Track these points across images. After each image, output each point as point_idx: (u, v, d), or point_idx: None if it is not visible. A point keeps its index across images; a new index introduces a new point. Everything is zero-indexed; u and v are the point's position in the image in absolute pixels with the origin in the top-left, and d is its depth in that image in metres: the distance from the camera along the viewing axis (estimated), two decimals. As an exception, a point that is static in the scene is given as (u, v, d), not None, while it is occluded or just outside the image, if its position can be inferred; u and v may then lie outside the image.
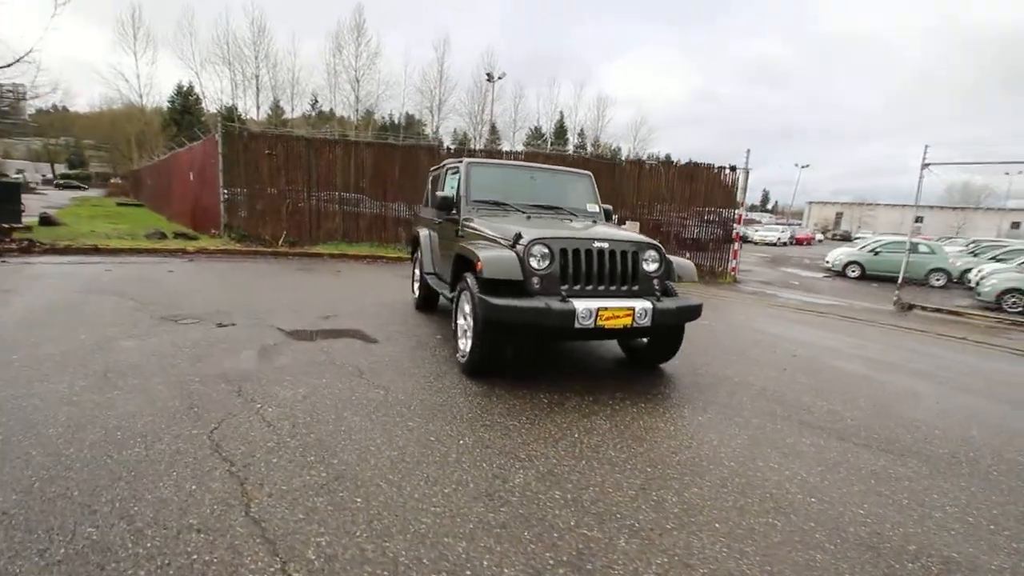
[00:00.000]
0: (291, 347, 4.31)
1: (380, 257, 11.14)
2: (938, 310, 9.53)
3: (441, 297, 5.91)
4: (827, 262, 17.69)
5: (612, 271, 3.73)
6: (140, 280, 6.92)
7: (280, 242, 11.73)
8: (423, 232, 5.88)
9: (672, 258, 4.02)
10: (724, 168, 11.91)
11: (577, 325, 3.41)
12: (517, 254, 3.58)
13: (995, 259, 15.43)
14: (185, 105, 40.65)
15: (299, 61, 53.61)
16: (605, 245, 3.73)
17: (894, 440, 3.22)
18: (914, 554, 2.09)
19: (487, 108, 39.28)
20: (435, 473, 2.44)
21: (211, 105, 37.87)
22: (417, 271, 6.17)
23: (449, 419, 3.07)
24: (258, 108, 39.28)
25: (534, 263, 3.57)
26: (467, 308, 3.92)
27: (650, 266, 3.86)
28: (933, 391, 4.39)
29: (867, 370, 4.92)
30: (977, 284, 12.18)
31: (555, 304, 3.40)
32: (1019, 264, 12.79)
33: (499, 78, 28.60)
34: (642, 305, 3.60)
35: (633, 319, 3.57)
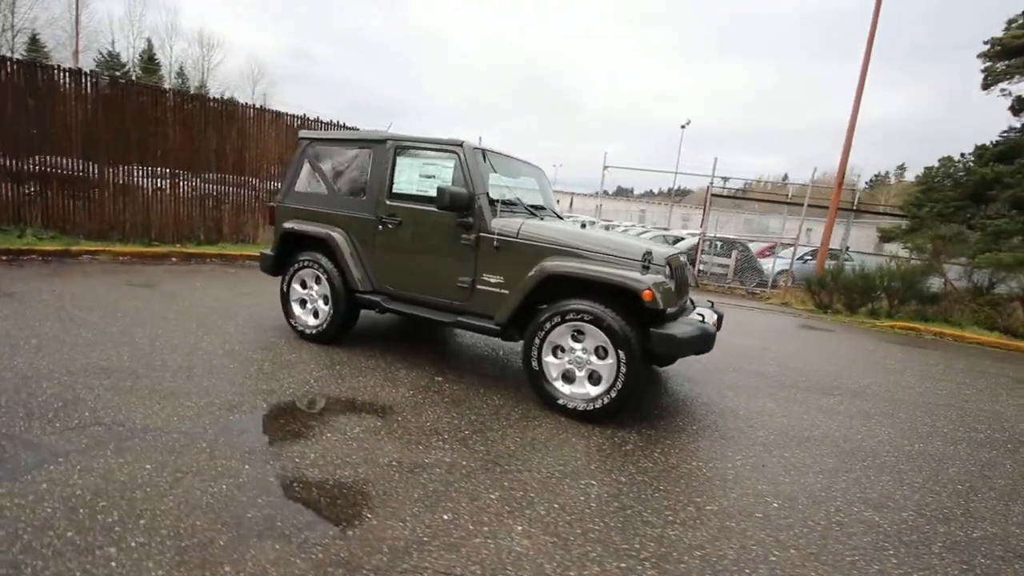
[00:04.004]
0: (306, 466, 2.42)
1: (24, 252, 6.53)
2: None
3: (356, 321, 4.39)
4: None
5: (683, 284, 3.78)
6: None
7: None
8: (333, 234, 4.02)
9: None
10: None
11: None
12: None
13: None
14: None
15: None
16: (684, 259, 3.73)
17: (843, 387, 4.66)
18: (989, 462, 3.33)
19: (24, 11, 26.52)
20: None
21: None
22: (307, 288, 4.22)
23: (734, 483, 2.60)
24: None
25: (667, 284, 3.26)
26: (571, 343, 3.21)
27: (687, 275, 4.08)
28: (771, 345, 6.34)
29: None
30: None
31: (708, 327, 3.25)
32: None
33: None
34: (716, 315, 3.83)
35: (713, 330, 3.78)
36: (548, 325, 3.21)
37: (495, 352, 4.64)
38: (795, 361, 5.56)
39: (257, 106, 9.69)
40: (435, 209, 3.62)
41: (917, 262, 9.13)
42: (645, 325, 3.10)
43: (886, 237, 11.28)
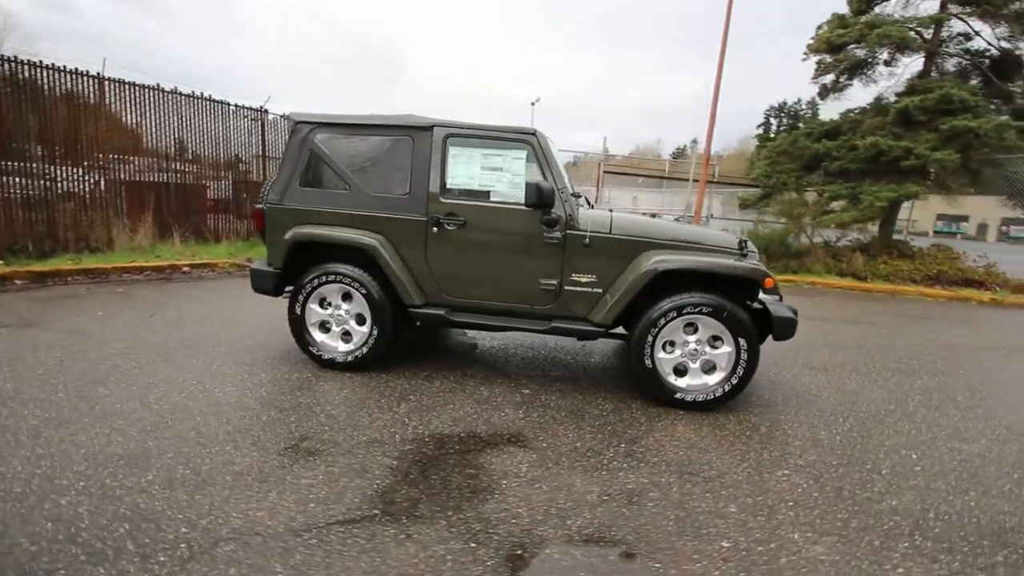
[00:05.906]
0: (539, 528, 2.05)
1: None
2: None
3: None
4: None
5: None
6: None
7: None
8: (370, 240, 3.34)
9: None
10: (244, 108, 9.33)
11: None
12: (752, 265, 3.27)
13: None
14: None
15: None
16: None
17: (830, 344, 5.36)
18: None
19: None
20: None
21: None
22: (329, 308, 3.47)
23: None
24: None
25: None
26: (685, 336, 3.19)
27: None
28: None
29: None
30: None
31: (793, 307, 3.46)
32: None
33: None
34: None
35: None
36: (663, 321, 3.13)
37: (537, 350, 4.37)
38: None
39: (94, 73, 7.46)
40: (510, 206, 3.27)
41: (782, 225, 10.94)
42: (750, 311, 3.21)
43: (744, 204, 13.23)
